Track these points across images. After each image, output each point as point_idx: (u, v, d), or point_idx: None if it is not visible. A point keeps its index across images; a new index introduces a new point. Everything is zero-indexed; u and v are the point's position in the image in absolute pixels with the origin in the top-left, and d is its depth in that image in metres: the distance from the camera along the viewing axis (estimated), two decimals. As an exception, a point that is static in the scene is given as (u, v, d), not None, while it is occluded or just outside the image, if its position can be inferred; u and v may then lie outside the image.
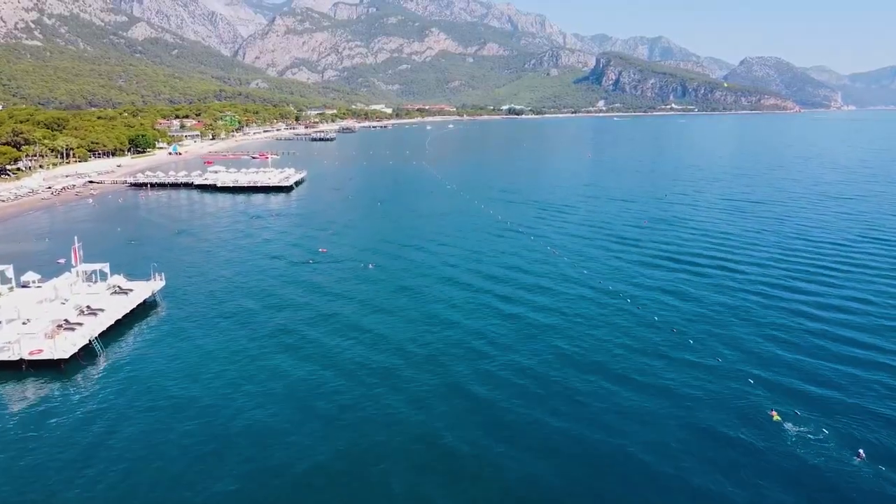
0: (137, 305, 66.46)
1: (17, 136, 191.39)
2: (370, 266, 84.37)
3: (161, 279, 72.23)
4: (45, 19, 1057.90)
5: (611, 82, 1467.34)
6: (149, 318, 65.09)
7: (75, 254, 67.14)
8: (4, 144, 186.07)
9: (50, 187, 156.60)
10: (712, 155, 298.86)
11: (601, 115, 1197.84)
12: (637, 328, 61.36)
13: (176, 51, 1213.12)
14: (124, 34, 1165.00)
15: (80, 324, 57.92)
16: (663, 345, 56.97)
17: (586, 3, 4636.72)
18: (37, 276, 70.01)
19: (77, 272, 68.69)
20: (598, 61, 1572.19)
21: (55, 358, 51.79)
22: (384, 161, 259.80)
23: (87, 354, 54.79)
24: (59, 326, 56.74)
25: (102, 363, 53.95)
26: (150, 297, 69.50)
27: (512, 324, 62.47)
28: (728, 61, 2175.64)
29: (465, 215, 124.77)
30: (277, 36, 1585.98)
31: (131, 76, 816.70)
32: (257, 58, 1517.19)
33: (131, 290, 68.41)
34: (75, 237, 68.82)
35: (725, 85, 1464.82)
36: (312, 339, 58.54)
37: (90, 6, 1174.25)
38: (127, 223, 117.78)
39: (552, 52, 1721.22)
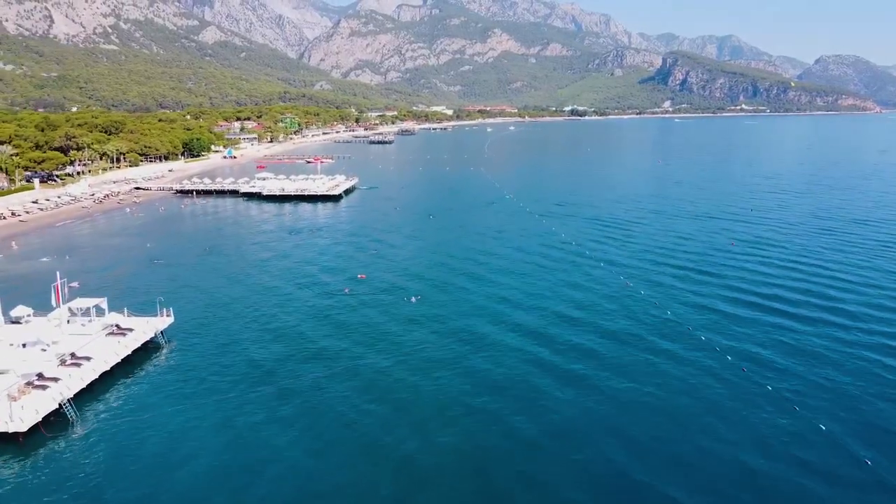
0: (136, 350, 56.60)
1: (69, 140, 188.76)
2: (413, 300, 72.51)
3: (169, 315, 62.26)
4: (122, 24, 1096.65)
5: (678, 82, 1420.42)
6: (145, 368, 54.95)
7: (57, 292, 57.72)
8: (56, 149, 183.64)
9: (93, 195, 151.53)
10: (790, 161, 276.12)
11: (667, 115, 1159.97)
12: (746, 404, 47.32)
13: (244, 53, 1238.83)
14: (195, 38, 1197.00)
15: (56, 379, 48.02)
16: (787, 437, 42.82)
17: (652, 3, 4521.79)
18: (29, 311, 61.04)
19: (61, 313, 59.06)
20: (664, 61, 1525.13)
21: (10, 431, 41.93)
22: (441, 166, 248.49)
23: (57, 421, 44.85)
24: (29, 384, 47.02)
25: (71, 435, 43.74)
26: (153, 337, 59.56)
27: (573, 398, 49.40)
28: (802, 60, 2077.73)
29: (524, 233, 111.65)
30: (342, 38, 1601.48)
31: (200, 78, 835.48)
32: (322, 60, 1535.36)
33: (131, 331, 58.55)
34: (57, 273, 59.37)
35: (792, 84, 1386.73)
36: (334, 413, 46.90)
37: (164, 11, 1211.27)
38: (158, 238, 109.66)
39: (617, 51, 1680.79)
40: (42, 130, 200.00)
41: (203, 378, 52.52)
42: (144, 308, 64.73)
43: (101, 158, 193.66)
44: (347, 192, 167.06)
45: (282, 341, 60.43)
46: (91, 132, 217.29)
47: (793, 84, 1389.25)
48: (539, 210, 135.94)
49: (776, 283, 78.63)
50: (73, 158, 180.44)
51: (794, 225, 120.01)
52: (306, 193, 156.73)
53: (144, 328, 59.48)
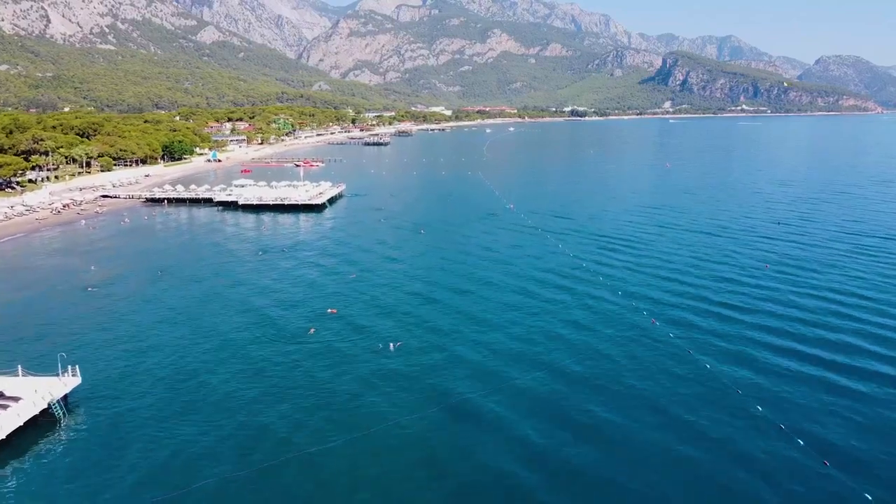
0: (19, 428, 43.07)
1: (36, 143, 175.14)
2: (391, 347, 58.96)
3: (74, 374, 48.84)
4: (119, 24, 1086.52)
5: (678, 83, 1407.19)
6: (29, 457, 41.27)
7: None
8: (23, 153, 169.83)
9: (52, 204, 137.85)
10: (801, 165, 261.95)
11: (665, 116, 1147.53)
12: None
13: (242, 54, 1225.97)
14: (193, 38, 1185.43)
15: None
16: None
17: (652, 3, 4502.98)
18: None
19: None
20: (664, 61, 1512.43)
21: None
22: (437, 170, 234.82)
23: None
24: None
25: None
26: (51, 406, 45.97)
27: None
28: (802, 60, 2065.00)
29: (529, 255, 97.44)
30: (341, 38, 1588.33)
31: (197, 79, 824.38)
32: (321, 60, 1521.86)
33: (17, 400, 44.94)
34: None
35: (786, 84, 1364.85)
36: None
37: (162, 11, 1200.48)
38: (109, 257, 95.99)
39: (617, 52, 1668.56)
40: (10, 133, 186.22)
41: (106, 473, 39.00)
42: (52, 361, 51.15)
43: (69, 163, 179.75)
44: (332, 200, 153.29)
45: (224, 411, 46.82)
46: (66, 134, 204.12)
47: (786, 84, 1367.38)
48: (544, 224, 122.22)
49: (830, 325, 64.89)
50: (35, 164, 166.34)
51: (826, 242, 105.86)
52: (287, 203, 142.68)
53: (40, 393, 45.84)
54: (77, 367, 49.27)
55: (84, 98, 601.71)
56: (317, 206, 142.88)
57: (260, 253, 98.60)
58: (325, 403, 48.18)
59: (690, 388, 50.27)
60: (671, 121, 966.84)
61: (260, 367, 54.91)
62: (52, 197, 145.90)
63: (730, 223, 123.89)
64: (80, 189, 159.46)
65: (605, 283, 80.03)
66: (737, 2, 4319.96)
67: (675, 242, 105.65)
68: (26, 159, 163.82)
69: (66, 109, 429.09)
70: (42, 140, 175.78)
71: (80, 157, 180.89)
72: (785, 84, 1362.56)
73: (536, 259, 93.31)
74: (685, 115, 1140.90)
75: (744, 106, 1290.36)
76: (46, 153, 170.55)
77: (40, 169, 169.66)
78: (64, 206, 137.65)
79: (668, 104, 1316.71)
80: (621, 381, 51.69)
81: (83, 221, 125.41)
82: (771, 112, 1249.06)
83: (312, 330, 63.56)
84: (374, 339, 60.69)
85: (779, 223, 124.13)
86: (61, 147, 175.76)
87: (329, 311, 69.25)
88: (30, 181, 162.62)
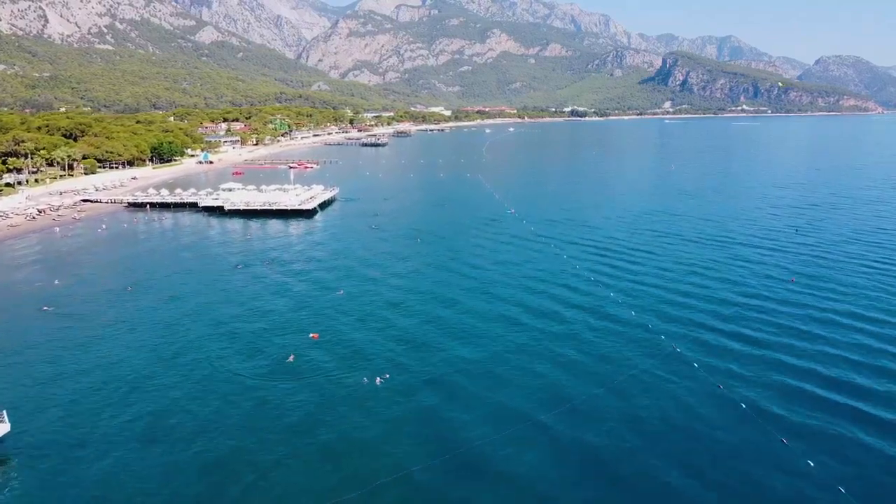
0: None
1: (17, 144, 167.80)
2: (377, 380, 51.54)
3: (2, 421, 41.58)
4: (117, 24, 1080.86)
5: (678, 83, 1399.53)
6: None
7: None
8: (0, 156, 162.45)
9: (27, 209, 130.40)
10: (802, 167, 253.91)
11: (664, 117, 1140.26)
12: None
13: (241, 54, 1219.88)
14: (192, 38, 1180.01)
15: None
16: None
17: (652, 3, 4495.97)
18: None
19: None
20: (664, 61, 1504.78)
21: None
22: (435, 172, 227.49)
23: None
24: None
25: None
26: (-32, 461, 38.81)
27: None
28: (802, 60, 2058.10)
29: (532, 267, 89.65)
30: (340, 38, 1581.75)
31: (196, 79, 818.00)
32: (320, 60, 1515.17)
33: (-75, 457, 37.79)
34: None
35: (780, 84, 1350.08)
36: None
37: (160, 11, 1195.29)
38: (78, 269, 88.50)
39: (616, 52, 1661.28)
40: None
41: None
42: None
43: (51, 165, 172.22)
44: (324, 205, 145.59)
45: (184, 459, 39.53)
46: (52, 135, 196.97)
47: (781, 84, 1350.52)
48: (546, 231, 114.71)
49: (872, 351, 57.80)
50: (12, 166, 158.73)
51: (850, 251, 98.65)
52: (275, 208, 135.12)
53: (-50, 450, 38.63)
54: (4, 412, 41.97)
55: (81, 98, 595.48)
56: (307, 211, 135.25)
57: (240, 266, 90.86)
58: (317, 455, 40.84)
59: (724, 435, 42.92)
60: (667, 121, 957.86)
61: (241, 398, 47.55)
62: (28, 202, 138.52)
63: (742, 231, 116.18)
64: (61, 193, 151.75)
65: (617, 301, 72.44)
66: (737, 2, 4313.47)
67: (688, 252, 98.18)
68: (4, 162, 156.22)
69: (62, 110, 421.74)
70: (23, 142, 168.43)
71: (63, 159, 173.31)
72: (780, 84, 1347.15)
73: (541, 275, 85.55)
74: (683, 116, 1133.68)
75: (744, 106, 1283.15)
76: (27, 155, 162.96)
77: (19, 172, 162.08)
78: (40, 212, 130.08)
79: (668, 104, 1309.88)
80: (645, 437, 44.40)
81: (57, 229, 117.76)
82: (771, 112, 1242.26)
83: (291, 358, 56.23)
84: (357, 372, 53.19)
85: (797, 230, 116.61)
86: (43, 149, 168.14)
87: (311, 335, 61.76)
88: (7, 185, 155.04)
